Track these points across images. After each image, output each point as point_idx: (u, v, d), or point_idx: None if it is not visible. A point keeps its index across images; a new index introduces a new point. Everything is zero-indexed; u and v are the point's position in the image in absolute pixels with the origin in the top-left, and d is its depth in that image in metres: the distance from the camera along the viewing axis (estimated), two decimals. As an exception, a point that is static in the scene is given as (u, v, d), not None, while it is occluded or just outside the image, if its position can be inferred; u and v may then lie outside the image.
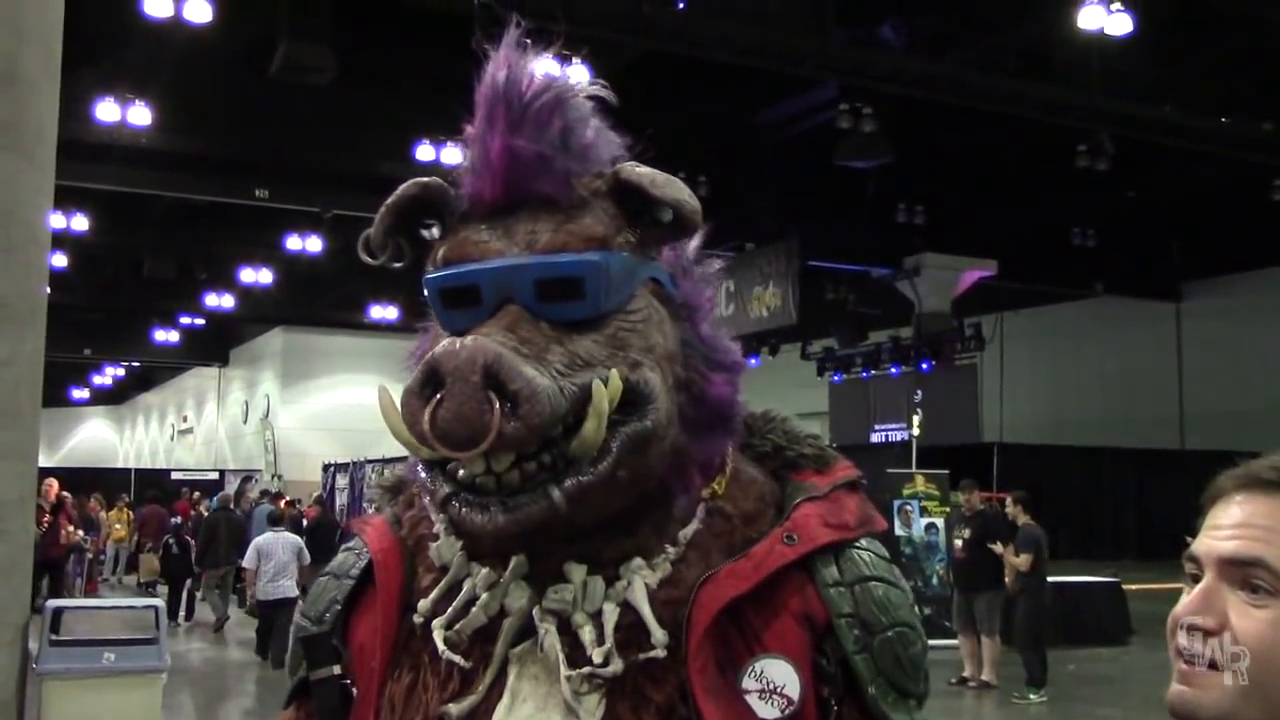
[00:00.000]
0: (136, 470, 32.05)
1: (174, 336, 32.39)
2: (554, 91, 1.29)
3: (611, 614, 1.23)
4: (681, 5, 12.58)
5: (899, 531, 15.89)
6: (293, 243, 20.45)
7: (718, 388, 1.32)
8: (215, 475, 29.10)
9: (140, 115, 14.41)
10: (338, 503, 19.85)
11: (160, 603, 6.70)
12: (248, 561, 11.87)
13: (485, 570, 1.26)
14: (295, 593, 11.38)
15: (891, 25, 13.28)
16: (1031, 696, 10.17)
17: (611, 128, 1.35)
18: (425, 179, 1.32)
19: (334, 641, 1.33)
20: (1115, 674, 10.68)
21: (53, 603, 6.79)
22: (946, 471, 15.34)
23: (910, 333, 19.73)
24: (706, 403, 1.30)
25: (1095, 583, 14.12)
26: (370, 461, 19.98)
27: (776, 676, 1.24)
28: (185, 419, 39.88)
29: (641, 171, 1.28)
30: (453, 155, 16.10)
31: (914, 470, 16.29)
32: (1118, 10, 11.85)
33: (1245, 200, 16.71)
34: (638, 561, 1.25)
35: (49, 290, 5.58)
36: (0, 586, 5.06)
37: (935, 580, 13.50)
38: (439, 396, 1.11)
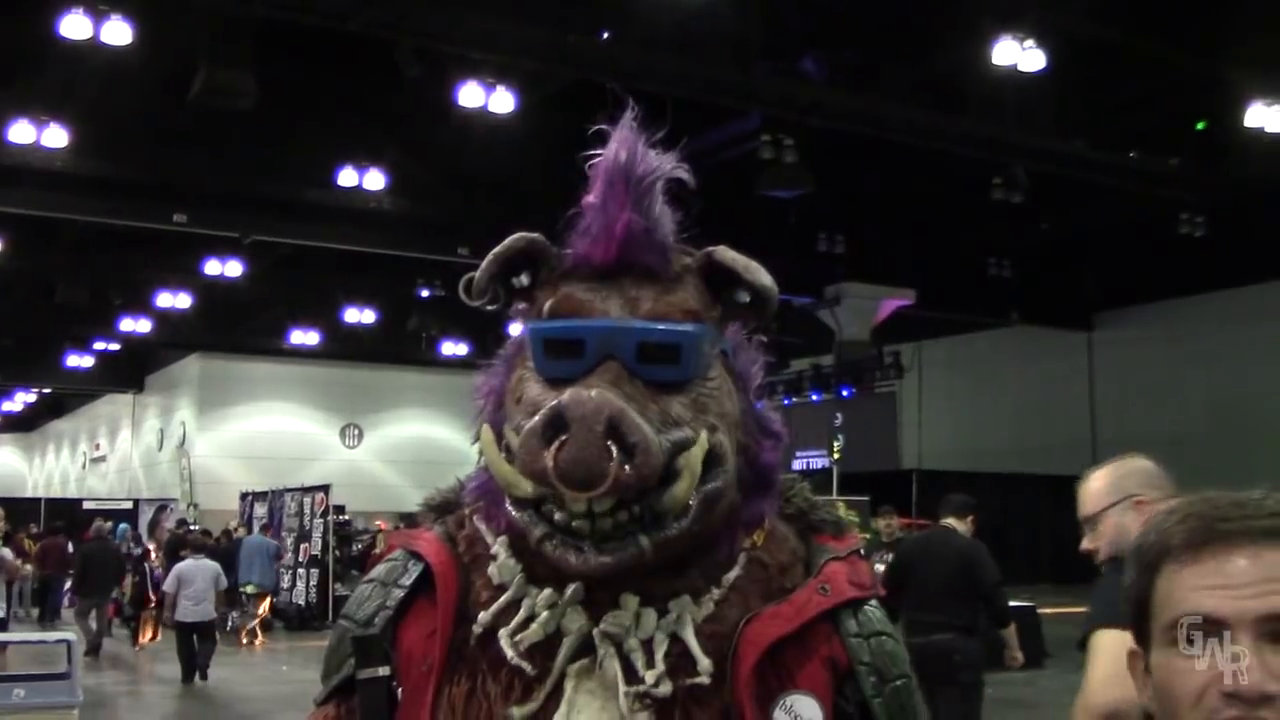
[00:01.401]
0: (46, 499, 31.29)
1: (87, 362, 31.65)
2: (659, 174, 1.44)
3: (662, 642, 1.37)
4: (605, 35, 12.67)
5: (820, 558, 15.99)
6: (211, 267, 20.14)
7: (767, 454, 1.50)
8: (129, 504, 28.45)
9: (56, 137, 14.13)
10: (254, 532, 19.54)
11: (73, 636, 6.55)
12: (167, 586, 12.78)
13: (546, 591, 1.38)
14: (214, 615, 12.68)
15: (813, 58, 13.49)
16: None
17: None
18: (531, 235, 1.45)
19: (385, 644, 1.42)
20: (1029, 697, 10.84)
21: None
22: (867, 498, 15.53)
23: (831, 360, 19.95)
24: (757, 466, 1.47)
25: (1010, 607, 14.31)
26: (289, 490, 19.69)
27: (804, 711, 1.40)
28: (98, 446, 38.99)
29: (735, 257, 1.45)
30: (375, 180, 16.04)
31: (834, 497, 16.44)
32: (1030, 47, 12.14)
33: (1154, 233, 17.16)
34: (686, 599, 1.39)
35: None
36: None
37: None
38: (562, 439, 1.22)
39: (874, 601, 1.50)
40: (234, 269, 20.00)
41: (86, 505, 28.93)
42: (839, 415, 19.62)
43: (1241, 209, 16.39)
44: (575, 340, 1.34)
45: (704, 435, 1.32)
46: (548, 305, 1.40)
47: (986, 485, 20.08)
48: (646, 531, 1.29)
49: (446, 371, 27.33)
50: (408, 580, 1.47)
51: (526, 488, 1.29)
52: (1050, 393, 21.87)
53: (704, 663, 1.36)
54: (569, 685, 1.37)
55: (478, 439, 1.45)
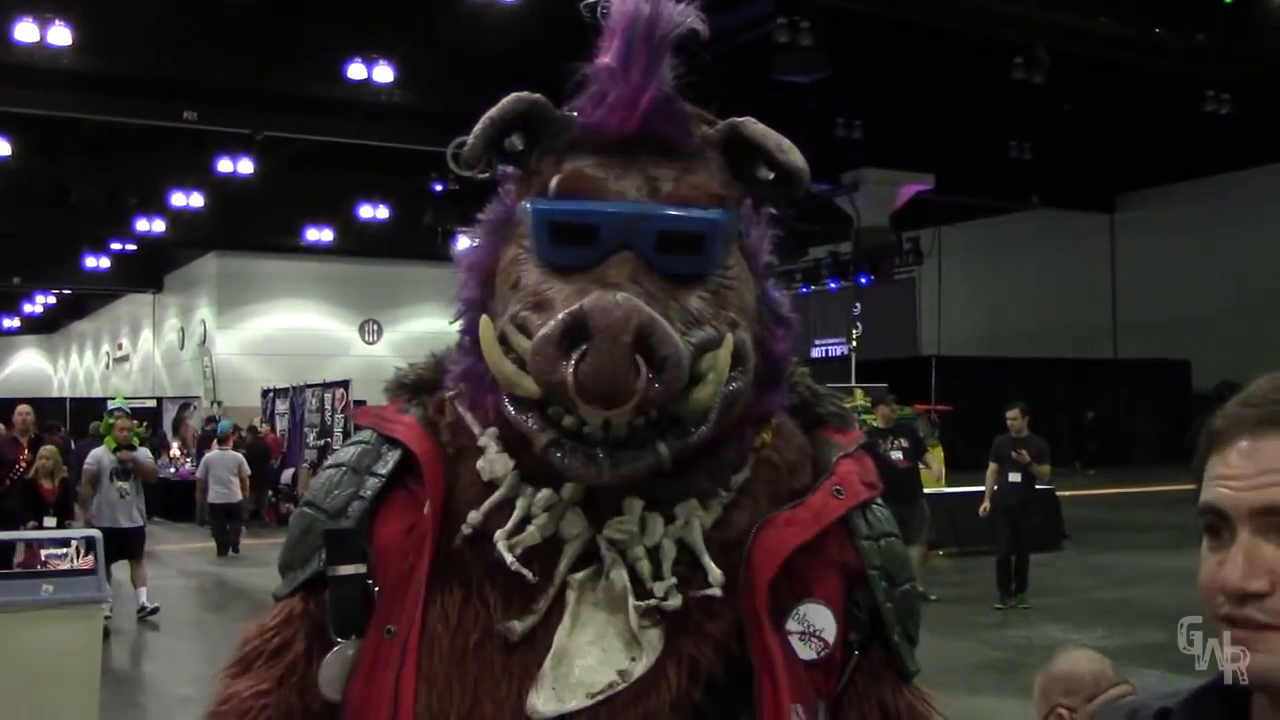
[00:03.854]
0: (71, 399, 31.57)
1: (105, 263, 31.71)
2: (680, 30, 1.28)
3: (670, 550, 1.26)
4: (616, -83, 12.36)
5: (839, 445, 16.07)
6: (224, 165, 20.03)
7: (780, 344, 1.36)
8: (153, 403, 28.75)
9: (60, 35, 13.94)
10: (278, 427, 19.74)
11: (97, 533, 6.61)
12: (198, 474, 14.63)
13: (544, 492, 1.26)
14: (239, 498, 14.21)
15: (828, -63, 13.15)
16: (1018, 603, 10.36)
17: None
18: (532, 95, 1.30)
19: (361, 540, 1.31)
20: (1049, 579, 10.96)
21: (-12, 536, 6.71)
22: (885, 385, 15.50)
23: (849, 248, 19.81)
24: (770, 358, 1.34)
25: (1040, 489, 14.41)
26: (310, 386, 19.83)
27: (817, 621, 1.32)
28: (120, 346, 39.25)
29: (765, 132, 1.32)
30: (384, 73, 15.83)
31: (853, 384, 16.46)
32: (1053, -80, 11.80)
33: (1178, 113, 16.84)
34: (694, 503, 1.28)
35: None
36: (-67, 521, 5.00)
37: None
38: (583, 349, 1.09)
39: (880, 499, 1.42)
40: (246, 167, 19.87)
41: (111, 404, 29.22)
42: (857, 303, 19.53)
43: (1270, 85, 16.04)
44: (588, 226, 1.20)
45: (729, 338, 1.20)
46: (554, 181, 1.24)
47: (1007, 370, 20.10)
48: (665, 438, 1.17)
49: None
50: (384, 468, 1.34)
51: (531, 387, 1.16)
52: (1071, 276, 21.71)
53: (715, 573, 1.26)
54: (571, 596, 1.27)
55: (460, 319, 1.35)
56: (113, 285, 35.41)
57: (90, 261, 31.39)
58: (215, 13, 13.44)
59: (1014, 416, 10.80)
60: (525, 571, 1.25)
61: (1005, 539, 10.69)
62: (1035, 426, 10.89)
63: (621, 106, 1.23)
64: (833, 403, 1.48)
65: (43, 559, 7.10)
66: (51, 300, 41.22)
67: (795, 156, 1.32)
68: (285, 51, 15.15)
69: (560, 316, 1.11)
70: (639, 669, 1.25)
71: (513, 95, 1.29)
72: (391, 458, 1.34)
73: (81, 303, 41.45)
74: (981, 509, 10.63)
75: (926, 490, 11.12)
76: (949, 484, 13.06)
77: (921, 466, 10.68)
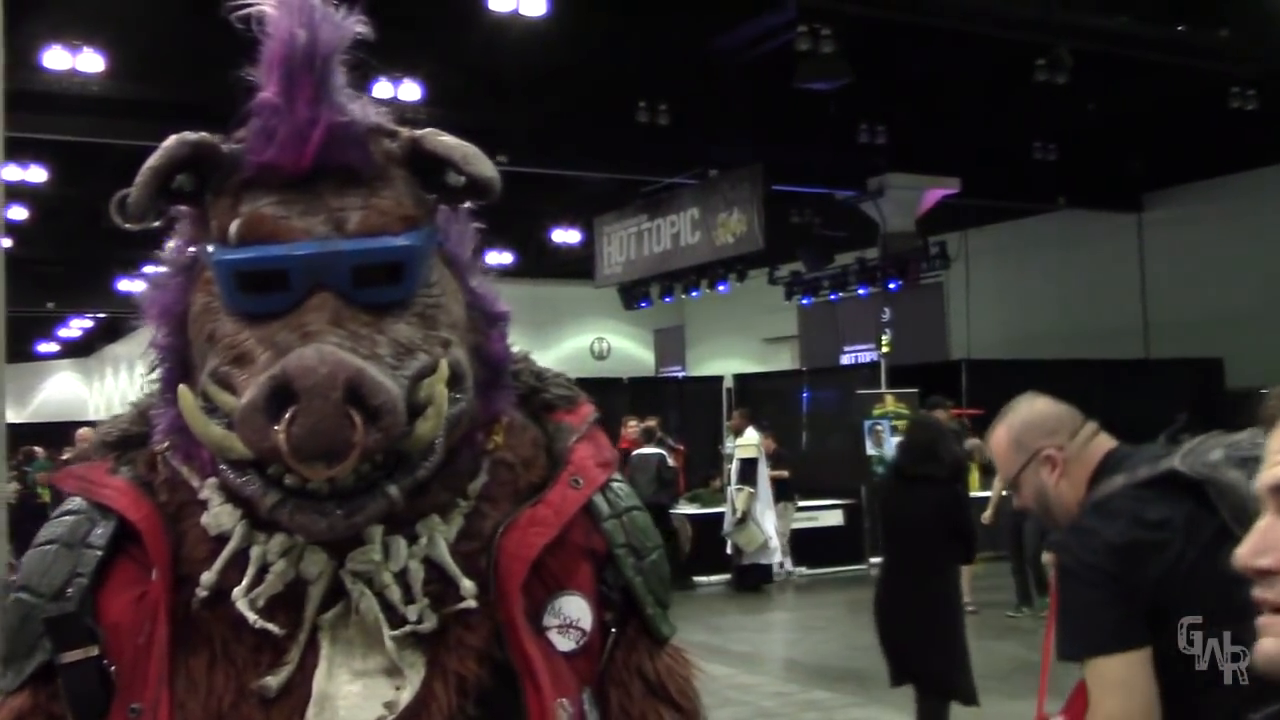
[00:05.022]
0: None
1: (138, 286, 31.98)
2: (340, 44, 1.22)
3: (418, 571, 1.25)
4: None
5: (871, 451, 16.09)
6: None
7: (495, 344, 1.35)
8: (187, 424, 28.95)
9: (90, 62, 14.15)
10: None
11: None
12: None
13: (279, 537, 1.22)
14: None
15: (847, -56, 13.16)
16: (1025, 611, 10.30)
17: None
18: (193, 136, 1.24)
19: (87, 620, 1.23)
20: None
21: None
22: (916, 390, 15.47)
23: (876, 253, 19.77)
24: (489, 361, 1.33)
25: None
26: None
27: (572, 611, 1.33)
28: (154, 369, 39.56)
29: (450, 143, 1.26)
30: (410, 91, 15.94)
31: (884, 390, 16.43)
32: (1073, -79, 11.78)
33: (1203, 109, 16.74)
34: (434, 519, 1.27)
35: (9, 244, 5.53)
36: (-22, 543, 5.07)
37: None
38: (292, 412, 1.06)
39: (617, 474, 1.42)
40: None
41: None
42: (886, 308, 19.48)
43: (1294, 80, 15.94)
44: (276, 271, 1.14)
45: (443, 364, 1.17)
46: (234, 227, 1.17)
47: (1037, 372, 19.96)
48: (393, 478, 1.15)
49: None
50: (100, 539, 1.27)
51: (243, 450, 1.11)
52: (1100, 277, 21.56)
53: (467, 585, 1.26)
54: (324, 639, 1.23)
55: (157, 369, 1.29)
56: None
57: (124, 284, 31.67)
58: (242, 37, 13.53)
59: None
60: (270, 626, 1.22)
61: (1013, 548, 10.66)
62: None
63: (292, 144, 1.18)
64: (558, 384, 1.46)
65: None
66: (87, 324, 41.58)
67: (483, 166, 1.25)
68: (311, 73, 15.28)
69: (261, 381, 1.07)
70: (405, 696, 1.23)
71: (174, 139, 1.23)
72: (107, 527, 1.27)
73: (116, 326, 41.80)
74: (984, 516, 10.49)
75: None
76: (981, 488, 13.02)
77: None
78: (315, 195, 1.19)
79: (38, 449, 18.36)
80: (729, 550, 14.15)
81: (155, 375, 1.31)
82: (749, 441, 13.94)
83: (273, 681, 1.21)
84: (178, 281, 1.28)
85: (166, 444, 1.31)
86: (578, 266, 24.54)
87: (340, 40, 1.22)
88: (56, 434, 26.19)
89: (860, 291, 20.64)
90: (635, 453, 14.22)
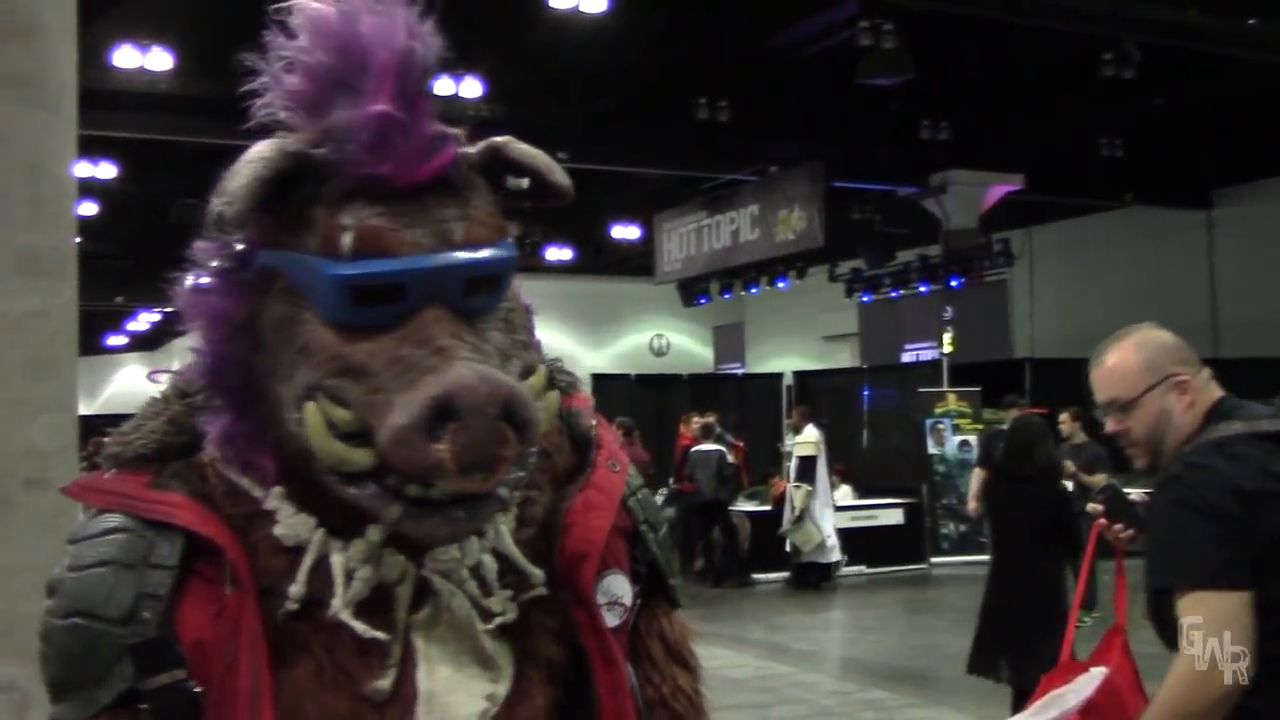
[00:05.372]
0: (174, 415, 32.32)
1: (182, 288, 32.47)
2: (436, 58, 1.24)
3: (491, 564, 1.29)
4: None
5: (932, 450, 15.98)
6: (316, 183, 20.48)
7: (533, 337, 1.37)
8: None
9: (159, 60, 14.38)
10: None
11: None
12: None
13: (358, 544, 1.24)
14: None
15: (910, -63, 13.05)
16: (1087, 619, 10.16)
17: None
18: (293, 146, 1.22)
19: (174, 644, 1.22)
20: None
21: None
22: (979, 389, 15.33)
23: (938, 251, 19.60)
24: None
25: (1127, 493, 14.11)
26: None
27: (617, 589, 1.38)
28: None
29: (530, 152, 1.29)
30: (471, 88, 16.03)
31: (945, 389, 16.30)
32: (1142, -87, 11.58)
33: (1275, 103, 16.42)
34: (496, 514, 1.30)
35: (79, 240, 5.63)
36: (50, 536, 5.17)
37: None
38: (454, 430, 1.09)
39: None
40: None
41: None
42: (948, 307, 19.31)
43: (1371, 73, 15.58)
44: (394, 285, 1.16)
45: (540, 370, 1.24)
46: (346, 241, 1.17)
47: (1102, 371, 19.76)
48: (503, 481, 1.18)
49: (552, 278, 27.48)
50: (168, 558, 1.24)
51: (363, 461, 1.14)
52: (1167, 275, 21.23)
53: (537, 574, 1.31)
54: (418, 639, 1.27)
55: (209, 375, 1.27)
56: (211, 303, 36.20)
57: (190, 279, 32.17)
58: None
59: (1064, 421, 10.64)
60: (378, 634, 1.23)
61: None
62: (1094, 432, 10.70)
63: (415, 158, 1.19)
64: (562, 371, 1.48)
65: None
66: (155, 318, 42.29)
67: (561, 175, 1.29)
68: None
69: (422, 402, 1.09)
70: (503, 687, 1.28)
71: (274, 148, 1.21)
72: (171, 544, 1.25)
73: (183, 320, 42.48)
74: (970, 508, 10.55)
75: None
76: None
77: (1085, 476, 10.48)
78: (419, 206, 1.19)
79: (107, 439, 18.71)
80: (787, 548, 14.09)
81: (202, 382, 1.30)
82: (808, 439, 13.88)
83: (384, 685, 1.24)
84: (234, 287, 1.27)
85: (217, 454, 1.29)
86: (637, 263, 24.56)
87: (435, 56, 1.24)
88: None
89: (922, 289, 20.48)
90: (695, 449, 14.21)
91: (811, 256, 19.34)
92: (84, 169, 17.07)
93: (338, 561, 1.24)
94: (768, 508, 14.64)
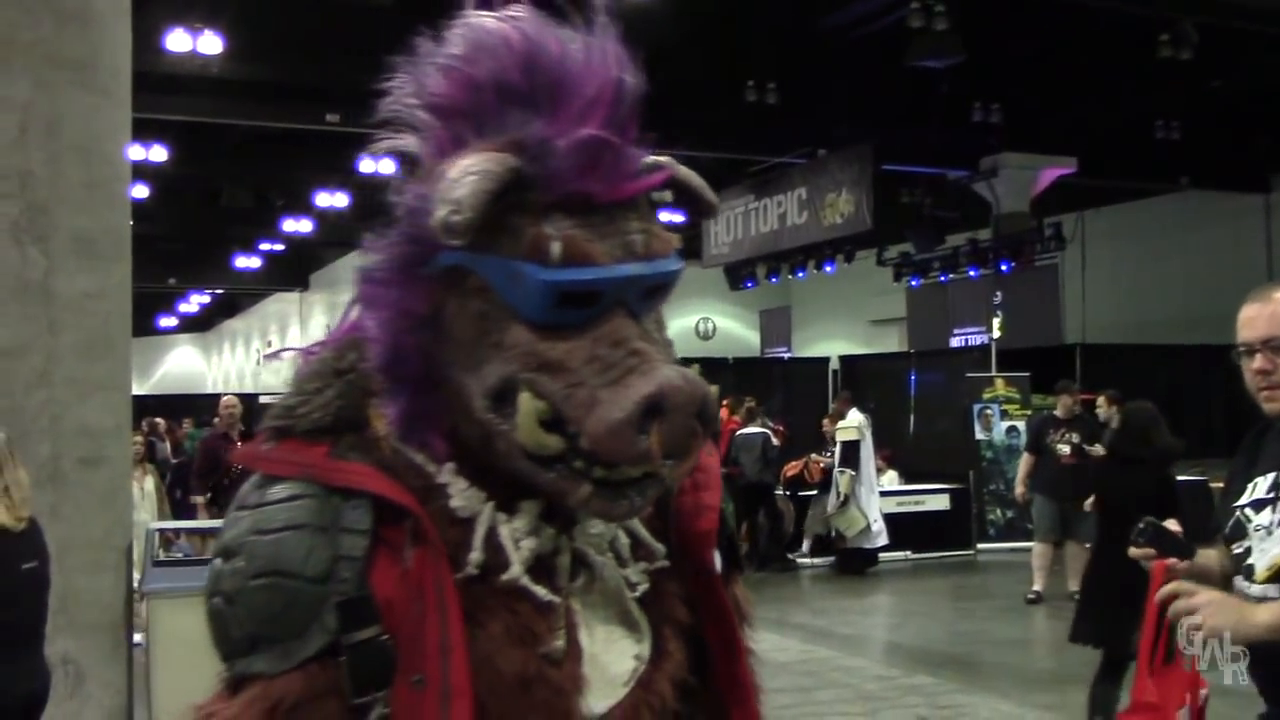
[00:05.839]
0: (224, 395, 32.73)
1: (255, 263, 32.83)
2: (636, 83, 1.36)
3: (624, 540, 1.46)
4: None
5: (979, 435, 15.85)
6: (366, 165, 20.54)
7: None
8: (301, 398, 29.57)
9: (210, 44, 14.50)
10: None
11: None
12: None
13: (522, 517, 1.38)
14: None
15: (962, -83, 12.91)
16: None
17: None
18: (514, 160, 1.29)
19: (374, 603, 1.32)
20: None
21: (153, 525, 7.05)
22: (1027, 374, 15.20)
23: (988, 235, 19.42)
24: None
25: (1181, 481, 13.94)
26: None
27: (716, 558, 1.54)
28: (270, 343, 40.59)
29: (689, 173, 1.44)
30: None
31: (994, 374, 16.17)
32: (1200, -109, 11.39)
33: (1336, 85, 16.13)
34: None
35: (132, 222, 5.70)
36: (104, 512, 5.26)
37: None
38: (661, 424, 1.23)
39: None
40: (387, 166, 20.31)
41: (263, 399, 30.20)
42: (998, 291, 19.13)
43: None
44: (593, 291, 1.29)
45: (696, 367, 1.39)
46: (555, 249, 1.27)
47: (1155, 357, 19.53)
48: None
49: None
50: (360, 523, 1.34)
51: (556, 445, 1.27)
52: (1223, 260, 20.90)
53: (659, 549, 1.47)
54: (576, 604, 1.41)
55: (391, 362, 1.35)
56: (262, 284, 36.62)
57: (241, 261, 32.51)
58: (354, 17, 13.77)
59: (1101, 405, 10.84)
60: (554, 597, 1.37)
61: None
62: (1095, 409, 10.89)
63: (622, 179, 1.32)
64: None
65: None
66: (206, 299, 42.80)
67: (712, 195, 1.47)
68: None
69: (637, 399, 1.21)
70: (646, 647, 1.44)
71: (498, 162, 1.27)
72: (360, 511, 1.34)
73: (233, 302, 42.96)
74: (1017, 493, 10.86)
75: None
76: (1093, 474, 12.70)
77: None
78: (608, 219, 1.31)
79: (159, 420, 18.96)
80: (831, 533, 14.05)
81: (379, 368, 1.37)
82: (850, 424, 13.82)
83: (560, 644, 1.37)
84: (416, 283, 1.35)
85: (391, 431, 1.39)
86: (684, 246, 24.48)
87: (634, 76, 1.36)
88: (178, 405, 27.05)
89: (971, 273, 20.31)
90: (740, 432, 14.18)
91: (860, 240, 19.22)
92: (136, 152, 17.27)
93: (506, 532, 1.37)
94: (812, 493, 14.55)
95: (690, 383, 1.24)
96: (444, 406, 1.35)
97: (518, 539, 1.36)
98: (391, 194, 1.40)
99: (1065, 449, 10.94)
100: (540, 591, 1.36)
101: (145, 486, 8.59)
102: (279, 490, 1.37)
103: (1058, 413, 11.48)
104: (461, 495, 1.37)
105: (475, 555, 1.35)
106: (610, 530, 1.43)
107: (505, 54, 1.33)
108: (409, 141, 1.42)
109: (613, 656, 1.40)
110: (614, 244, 1.30)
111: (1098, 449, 10.33)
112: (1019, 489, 11.73)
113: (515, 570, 1.35)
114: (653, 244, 1.34)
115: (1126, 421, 6.91)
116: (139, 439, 9.40)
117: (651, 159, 1.37)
